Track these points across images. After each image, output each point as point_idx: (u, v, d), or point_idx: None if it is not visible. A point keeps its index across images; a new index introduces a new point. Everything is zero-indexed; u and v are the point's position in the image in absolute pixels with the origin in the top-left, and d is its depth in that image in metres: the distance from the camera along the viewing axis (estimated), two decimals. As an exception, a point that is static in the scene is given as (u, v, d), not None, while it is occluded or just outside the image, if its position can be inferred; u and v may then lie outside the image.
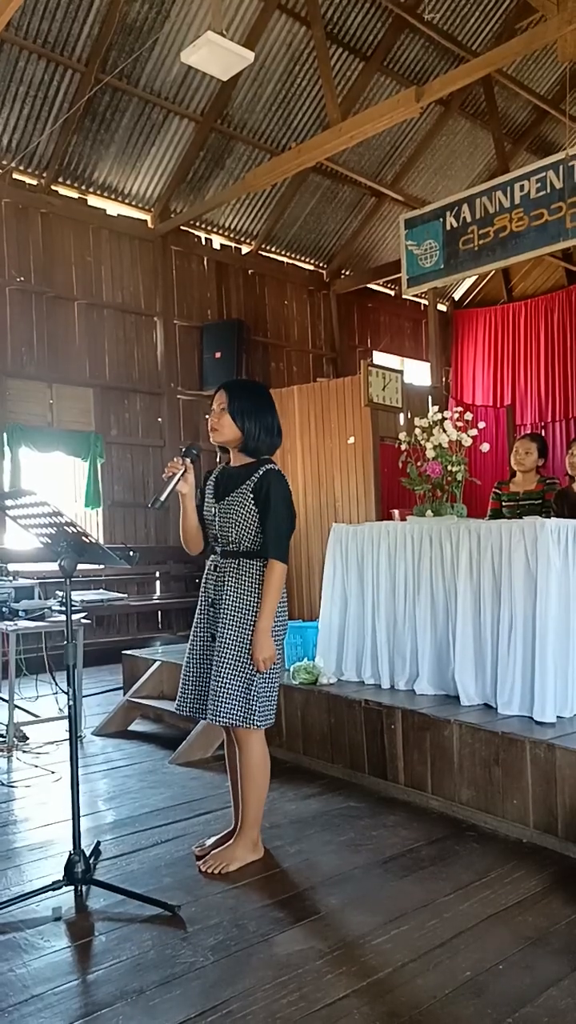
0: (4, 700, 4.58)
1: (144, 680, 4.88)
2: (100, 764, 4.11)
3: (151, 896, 2.50)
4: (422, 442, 4.11)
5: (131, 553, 7.36)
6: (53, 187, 7.60)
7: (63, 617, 3.16)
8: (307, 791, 3.55)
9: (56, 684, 5.31)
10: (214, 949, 2.23)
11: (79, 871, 2.52)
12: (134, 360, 8.23)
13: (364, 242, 10.13)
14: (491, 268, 7.91)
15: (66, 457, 7.57)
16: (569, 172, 6.39)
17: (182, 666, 2.83)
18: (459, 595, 3.66)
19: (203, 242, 8.92)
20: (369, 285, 10.42)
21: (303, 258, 9.90)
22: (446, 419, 4.09)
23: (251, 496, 2.67)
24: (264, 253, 9.49)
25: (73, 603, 2.63)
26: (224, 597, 2.71)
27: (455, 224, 7.27)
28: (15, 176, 7.35)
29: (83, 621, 4.82)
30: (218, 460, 2.95)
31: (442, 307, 10.85)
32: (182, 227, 8.52)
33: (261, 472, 2.69)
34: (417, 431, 4.17)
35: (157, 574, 8.17)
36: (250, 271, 9.33)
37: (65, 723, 4.10)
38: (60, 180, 7.65)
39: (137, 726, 4.84)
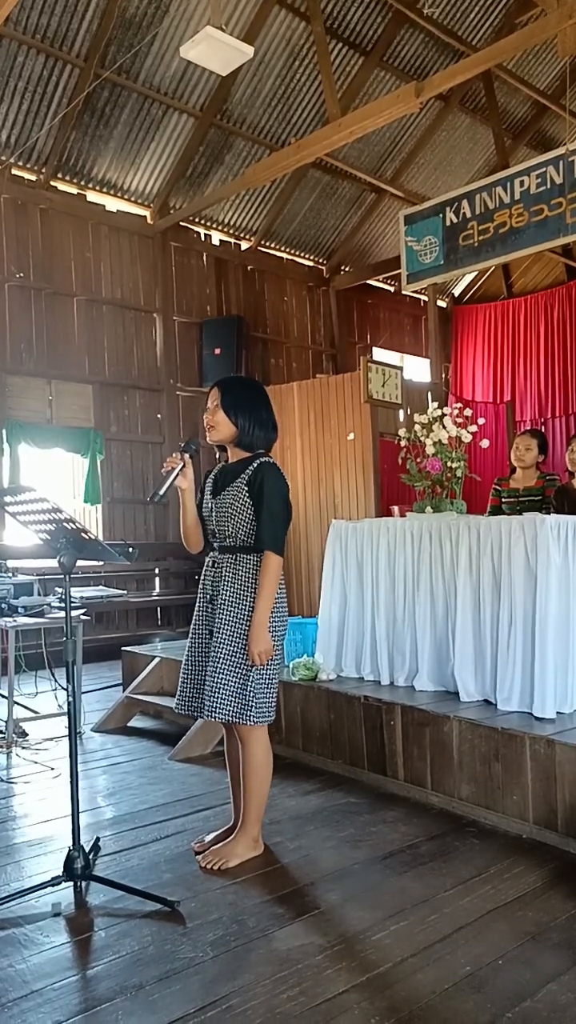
0: (3, 696, 4.58)
1: (143, 676, 4.87)
2: (99, 760, 4.11)
3: (151, 892, 2.50)
4: (422, 438, 4.10)
5: (130, 549, 7.35)
6: (52, 183, 7.59)
7: (62, 613, 3.16)
8: (307, 787, 3.55)
9: (55, 680, 5.31)
10: (214, 944, 2.23)
11: (78, 867, 2.52)
12: (133, 356, 8.22)
13: (364, 238, 10.12)
14: (491, 264, 7.90)
15: (65, 453, 7.57)
16: (569, 167, 6.37)
17: (181, 664, 2.83)
18: (459, 591, 3.66)
19: (202, 238, 8.90)
20: (369, 281, 10.41)
21: (303, 254, 9.89)
22: (446, 415, 4.09)
23: (245, 489, 2.66)
24: (264, 249, 9.47)
25: (72, 599, 2.63)
26: (221, 592, 2.71)
27: (455, 220, 7.25)
28: (14, 172, 7.33)
29: (82, 617, 4.82)
30: (217, 458, 2.95)
31: (442, 303, 10.83)
32: (181, 223, 8.50)
33: (255, 465, 2.69)
34: (417, 427, 4.16)
35: (156, 570, 8.17)
36: (249, 267, 9.32)
37: (64, 719, 4.11)
38: (59, 176, 7.63)
39: (136, 722, 4.84)
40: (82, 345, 7.78)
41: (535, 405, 10.15)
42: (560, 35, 5.47)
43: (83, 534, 2.59)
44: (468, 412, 4.17)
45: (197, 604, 2.82)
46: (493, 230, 6.95)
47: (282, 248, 9.66)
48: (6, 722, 4.40)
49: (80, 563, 2.77)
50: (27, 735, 4.50)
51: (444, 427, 4.04)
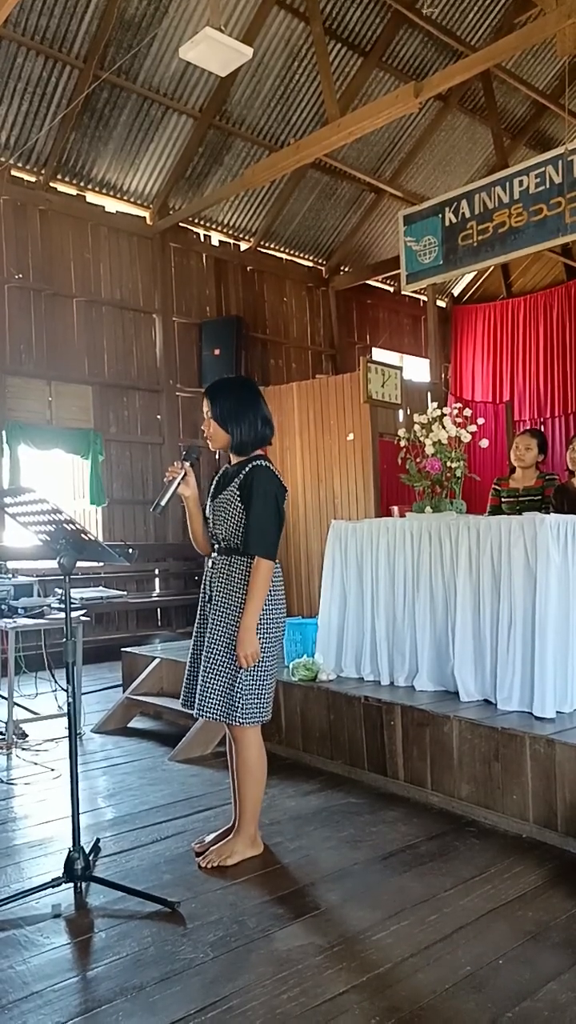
0: (3, 697, 4.58)
1: (143, 677, 4.88)
2: (99, 761, 4.11)
3: (151, 893, 2.50)
4: (421, 438, 4.11)
5: (130, 550, 7.36)
6: (51, 184, 7.59)
7: (62, 614, 3.16)
8: (307, 787, 3.55)
9: (55, 681, 5.31)
10: (214, 945, 2.23)
11: (79, 868, 2.52)
12: (133, 357, 8.22)
13: (363, 238, 10.12)
14: (490, 264, 7.90)
15: (65, 455, 7.57)
16: (568, 167, 6.37)
17: (186, 662, 2.87)
18: (458, 591, 3.66)
19: (202, 239, 8.91)
20: (368, 281, 10.41)
21: (302, 254, 9.89)
22: (445, 415, 4.09)
23: (237, 493, 2.68)
24: (263, 250, 9.47)
25: (72, 600, 2.63)
26: (215, 594, 2.74)
27: (454, 220, 7.25)
28: (13, 173, 7.33)
29: (82, 618, 4.82)
30: (218, 461, 2.96)
31: (441, 303, 10.83)
32: (181, 224, 8.50)
33: (248, 468, 2.70)
34: (416, 427, 4.16)
35: (156, 571, 8.17)
36: (249, 268, 9.32)
37: (64, 720, 4.10)
38: (58, 177, 7.63)
39: (136, 723, 4.84)
40: (82, 346, 7.78)
41: (534, 405, 10.15)
42: (559, 35, 5.48)
43: (83, 535, 2.60)
44: (468, 412, 4.17)
45: (199, 605, 2.85)
46: (492, 230, 6.95)
47: (281, 249, 9.66)
48: (6, 723, 4.40)
49: (80, 564, 2.78)
50: (27, 736, 4.50)
51: (444, 427, 4.04)
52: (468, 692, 3.58)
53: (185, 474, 2.73)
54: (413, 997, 1.96)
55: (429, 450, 4.06)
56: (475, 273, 10.66)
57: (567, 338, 9.95)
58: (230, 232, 9.13)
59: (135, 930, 2.33)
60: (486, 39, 8.24)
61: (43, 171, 7.47)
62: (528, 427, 8.83)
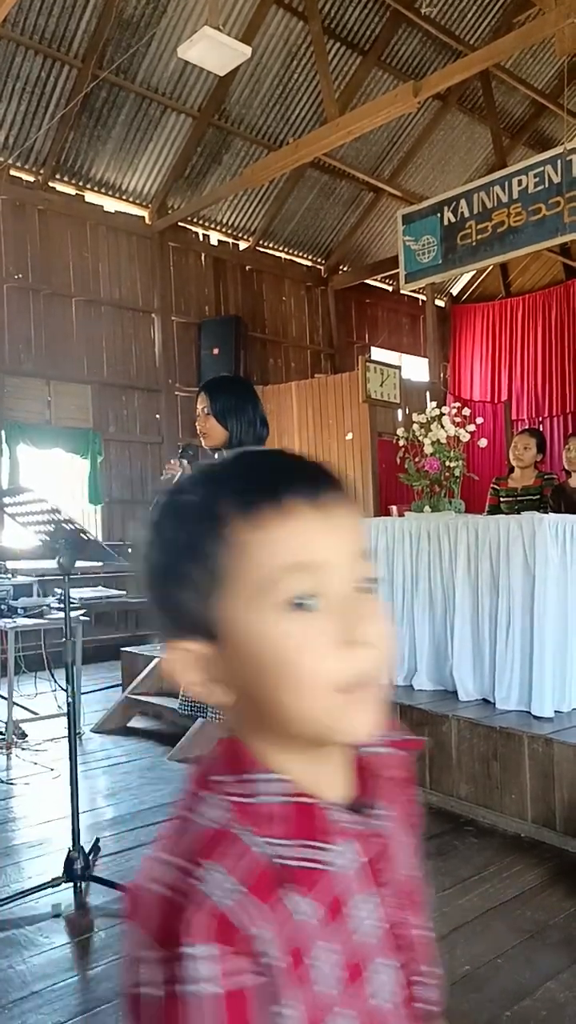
0: (3, 697, 4.58)
1: (143, 677, 4.88)
2: (99, 761, 4.11)
3: (150, 892, 2.50)
4: (420, 438, 4.11)
5: (129, 550, 7.35)
6: (50, 184, 7.59)
7: (62, 614, 3.16)
8: (306, 787, 3.55)
9: (55, 681, 5.30)
10: (213, 944, 2.23)
11: (78, 868, 2.52)
12: (132, 357, 8.22)
13: (362, 237, 10.12)
14: (489, 263, 7.92)
15: (64, 454, 7.57)
16: (567, 166, 6.38)
17: None
18: (457, 590, 3.66)
19: (200, 238, 8.90)
20: (367, 281, 10.41)
21: (301, 254, 9.89)
22: (444, 415, 4.09)
23: None
24: (262, 249, 9.47)
25: (72, 600, 2.63)
26: None
27: (453, 219, 7.26)
28: (12, 173, 7.33)
29: (82, 618, 4.82)
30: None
31: (440, 303, 10.84)
32: (179, 223, 8.50)
33: None
34: (415, 427, 4.16)
35: (156, 571, 8.16)
36: (248, 267, 9.32)
37: (64, 720, 4.10)
38: (57, 177, 7.63)
39: (136, 723, 4.84)
40: (80, 346, 7.78)
41: (533, 404, 10.16)
42: (558, 34, 5.48)
43: (82, 534, 2.60)
44: (466, 411, 4.17)
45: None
46: (491, 229, 6.96)
47: (280, 248, 9.66)
48: (6, 723, 4.40)
49: (79, 564, 2.77)
50: (27, 736, 4.50)
51: (442, 426, 4.05)
52: (467, 691, 3.58)
53: (181, 472, 2.72)
54: (412, 996, 1.96)
55: (428, 449, 4.06)
56: (474, 272, 10.66)
57: (566, 338, 9.95)
58: (229, 231, 9.12)
59: (134, 930, 2.33)
60: (485, 38, 8.23)
61: (42, 171, 7.47)
62: (527, 426, 8.84)
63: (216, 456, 2.85)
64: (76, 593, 5.42)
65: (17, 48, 6.62)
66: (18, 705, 4.89)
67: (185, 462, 2.74)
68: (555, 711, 3.29)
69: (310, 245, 9.85)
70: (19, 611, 4.66)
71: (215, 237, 9.04)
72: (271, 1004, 0.47)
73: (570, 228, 6.41)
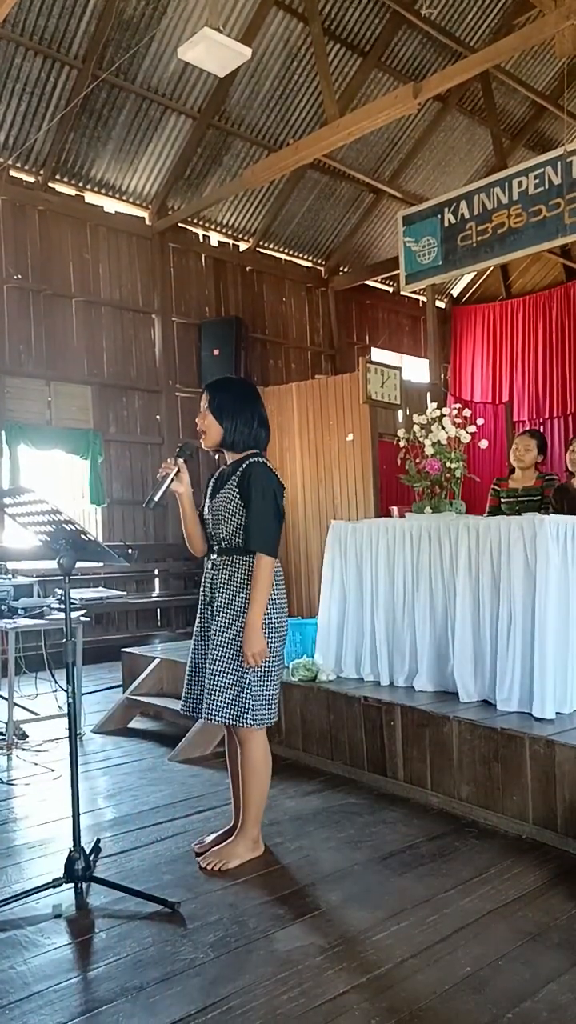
0: (3, 698, 4.57)
1: (143, 677, 4.88)
2: (100, 762, 4.11)
3: (151, 893, 2.50)
4: (421, 439, 4.11)
5: (130, 551, 7.36)
6: (50, 184, 7.59)
7: (62, 615, 3.16)
8: (307, 788, 3.56)
9: (55, 682, 5.31)
10: (214, 946, 2.23)
11: (79, 868, 2.52)
12: (132, 357, 8.22)
13: (362, 239, 10.12)
14: (489, 264, 7.91)
15: (65, 455, 7.57)
16: (567, 168, 6.38)
17: (186, 665, 2.84)
18: (458, 592, 3.66)
19: (201, 239, 8.91)
20: (367, 282, 10.42)
21: (301, 255, 9.89)
22: (445, 416, 4.09)
23: (236, 491, 2.67)
24: (262, 250, 9.48)
25: (72, 601, 2.63)
26: (217, 595, 2.72)
27: (453, 220, 7.26)
28: (12, 174, 7.33)
29: (82, 619, 4.82)
30: (217, 461, 2.95)
31: (440, 304, 10.84)
32: (180, 224, 8.51)
33: (244, 466, 2.69)
34: (416, 428, 4.17)
35: (156, 572, 8.17)
36: (248, 268, 9.32)
37: (65, 721, 4.10)
38: (57, 177, 7.63)
39: (136, 723, 4.84)
40: (81, 346, 7.78)
41: (533, 405, 10.16)
42: (558, 36, 5.48)
43: (82, 535, 2.59)
44: (467, 412, 4.17)
45: (199, 607, 2.83)
46: (491, 231, 6.96)
47: (280, 249, 9.66)
48: (6, 724, 4.40)
49: (80, 564, 2.77)
50: (27, 737, 4.50)
51: (443, 427, 4.05)
52: (468, 693, 3.58)
53: (178, 470, 2.70)
54: (413, 998, 1.97)
55: (428, 450, 4.06)
56: (474, 274, 10.67)
57: (566, 339, 9.95)
58: (229, 232, 9.13)
59: (135, 931, 2.33)
60: (485, 40, 8.24)
61: (42, 171, 7.47)
62: (527, 428, 8.84)
63: (218, 454, 2.85)
64: (76, 594, 5.42)
65: (17, 49, 6.63)
66: (19, 706, 4.89)
67: (182, 461, 2.73)
68: (556, 713, 3.29)
69: (310, 246, 9.86)
70: (19, 612, 4.65)
71: (215, 238, 9.04)
72: None
73: (570, 229, 6.40)
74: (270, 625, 2.68)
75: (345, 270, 10.26)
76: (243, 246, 9.29)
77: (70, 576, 2.61)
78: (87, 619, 5.10)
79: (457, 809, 3.20)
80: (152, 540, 8.18)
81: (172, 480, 2.69)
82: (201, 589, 2.82)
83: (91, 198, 7.95)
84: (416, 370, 10.65)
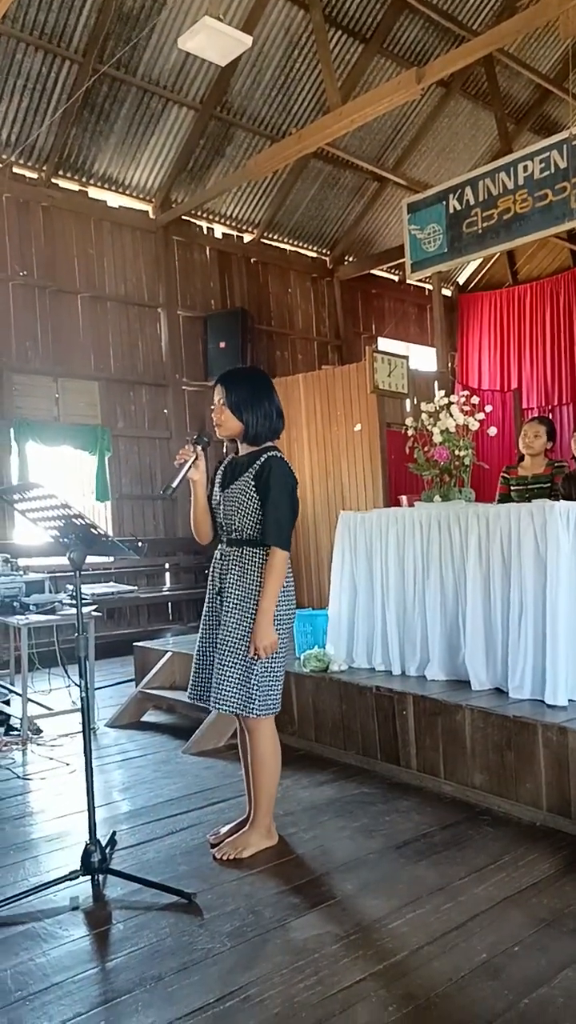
0: (18, 694, 4.61)
1: (156, 671, 4.90)
2: (114, 755, 4.14)
3: (167, 884, 2.52)
4: (429, 427, 4.09)
5: (140, 545, 7.37)
6: (53, 180, 7.58)
7: (74, 610, 3.18)
8: (320, 778, 3.57)
9: (68, 677, 5.34)
10: (231, 935, 2.24)
11: (95, 861, 2.54)
12: (139, 352, 8.22)
13: (367, 228, 10.07)
14: (495, 251, 7.84)
15: (73, 451, 7.58)
16: (573, 151, 6.31)
17: (193, 654, 2.86)
18: (469, 580, 3.65)
19: (205, 231, 8.88)
20: (373, 271, 10.36)
21: (306, 245, 9.85)
22: (453, 404, 4.07)
23: (253, 483, 2.67)
24: (266, 241, 9.44)
25: (83, 596, 2.64)
26: (227, 585, 2.73)
27: (458, 207, 7.21)
28: (15, 170, 7.33)
29: (94, 614, 4.84)
30: (225, 451, 2.95)
31: (447, 291, 10.78)
32: (183, 217, 8.48)
33: (263, 459, 2.69)
34: (424, 416, 4.15)
35: (167, 566, 8.19)
36: (253, 259, 9.29)
37: (78, 715, 4.13)
38: (60, 173, 7.62)
39: (150, 717, 4.87)
40: (87, 342, 7.79)
41: (542, 392, 10.09)
42: (562, 17, 5.42)
43: (92, 529, 2.60)
44: (475, 400, 4.15)
45: (207, 597, 2.85)
46: (497, 216, 6.90)
47: (285, 240, 9.62)
48: (21, 719, 4.43)
49: (90, 560, 2.78)
50: (42, 732, 4.53)
51: (451, 416, 4.03)
52: (480, 681, 3.58)
53: (196, 458, 2.72)
54: (429, 985, 1.97)
55: (437, 439, 4.04)
56: (480, 260, 10.59)
57: (574, 325, 9.88)
58: (233, 224, 9.10)
59: (152, 921, 2.35)
60: (488, 23, 8.15)
61: (44, 167, 7.46)
62: (536, 414, 8.79)
63: (229, 443, 2.85)
64: (88, 589, 5.44)
65: (17, 44, 6.61)
66: (32, 701, 4.92)
67: (199, 448, 2.74)
68: (569, 699, 3.28)
69: (315, 236, 9.81)
70: (31, 608, 4.68)
71: (219, 230, 9.01)
72: None
73: (577, 213, 6.35)
74: (280, 618, 2.69)
75: (350, 259, 10.21)
76: (247, 237, 9.26)
77: (81, 571, 2.62)
78: (99, 614, 5.12)
79: (471, 797, 3.21)
80: (162, 534, 8.20)
81: (190, 467, 2.70)
82: (210, 578, 2.83)
83: (94, 193, 7.94)
84: (423, 359, 10.60)
